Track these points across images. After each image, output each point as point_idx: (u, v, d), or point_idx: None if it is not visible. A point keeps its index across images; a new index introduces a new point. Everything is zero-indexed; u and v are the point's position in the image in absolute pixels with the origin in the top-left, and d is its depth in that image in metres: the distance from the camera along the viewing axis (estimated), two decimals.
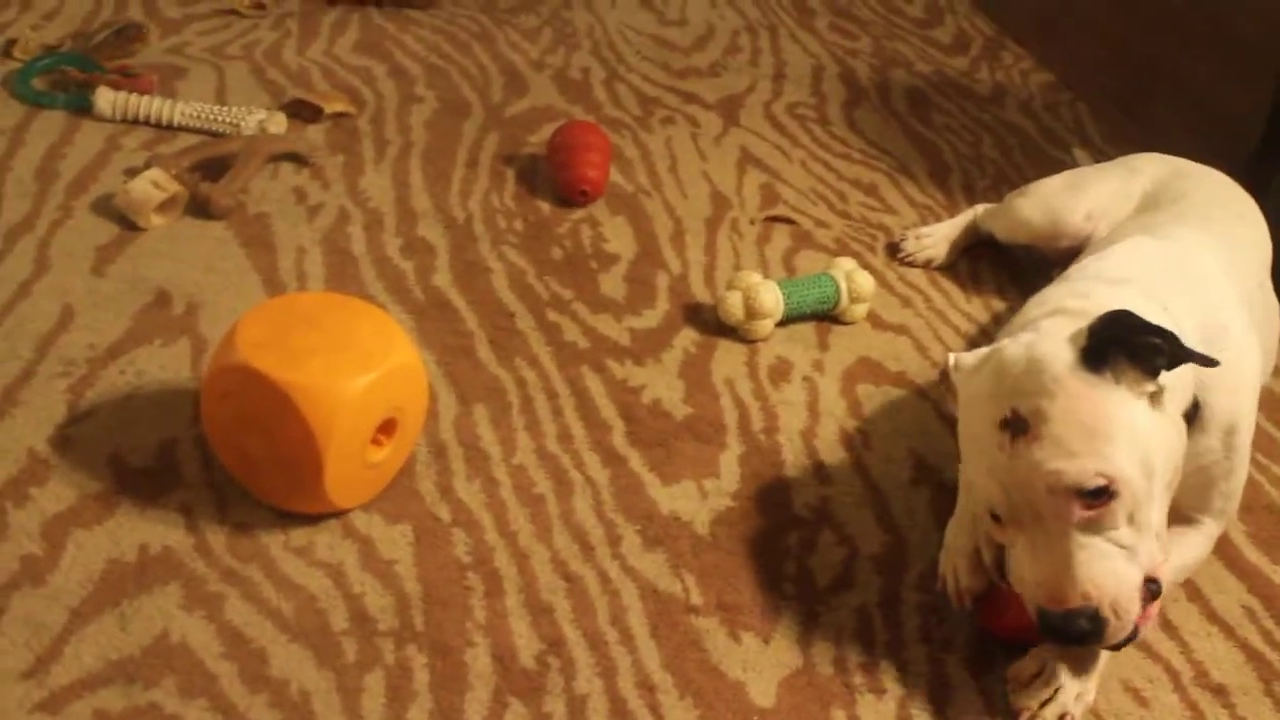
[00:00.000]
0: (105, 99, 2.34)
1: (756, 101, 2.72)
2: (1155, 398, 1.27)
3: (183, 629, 1.36)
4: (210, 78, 2.57)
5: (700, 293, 2.03)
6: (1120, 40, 2.79)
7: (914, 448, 1.74)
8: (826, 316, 1.99)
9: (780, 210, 2.30)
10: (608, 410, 1.75)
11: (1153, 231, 1.66)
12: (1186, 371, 1.32)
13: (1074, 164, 2.29)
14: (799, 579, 1.50)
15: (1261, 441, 1.76)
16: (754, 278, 1.92)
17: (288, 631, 1.37)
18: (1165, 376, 1.27)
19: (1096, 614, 1.23)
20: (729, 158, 2.47)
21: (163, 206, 2.06)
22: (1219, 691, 1.41)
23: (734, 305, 1.90)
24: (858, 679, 1.38)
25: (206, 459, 1.58)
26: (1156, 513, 1.27)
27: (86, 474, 1.55)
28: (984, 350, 1.37)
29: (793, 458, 1.70)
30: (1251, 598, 1.54)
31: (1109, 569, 1.23)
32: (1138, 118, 2.70)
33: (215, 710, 1.27)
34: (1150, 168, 1.95)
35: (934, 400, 1.83)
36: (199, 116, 2.34)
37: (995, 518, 1.30)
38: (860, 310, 1.99)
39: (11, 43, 2.57)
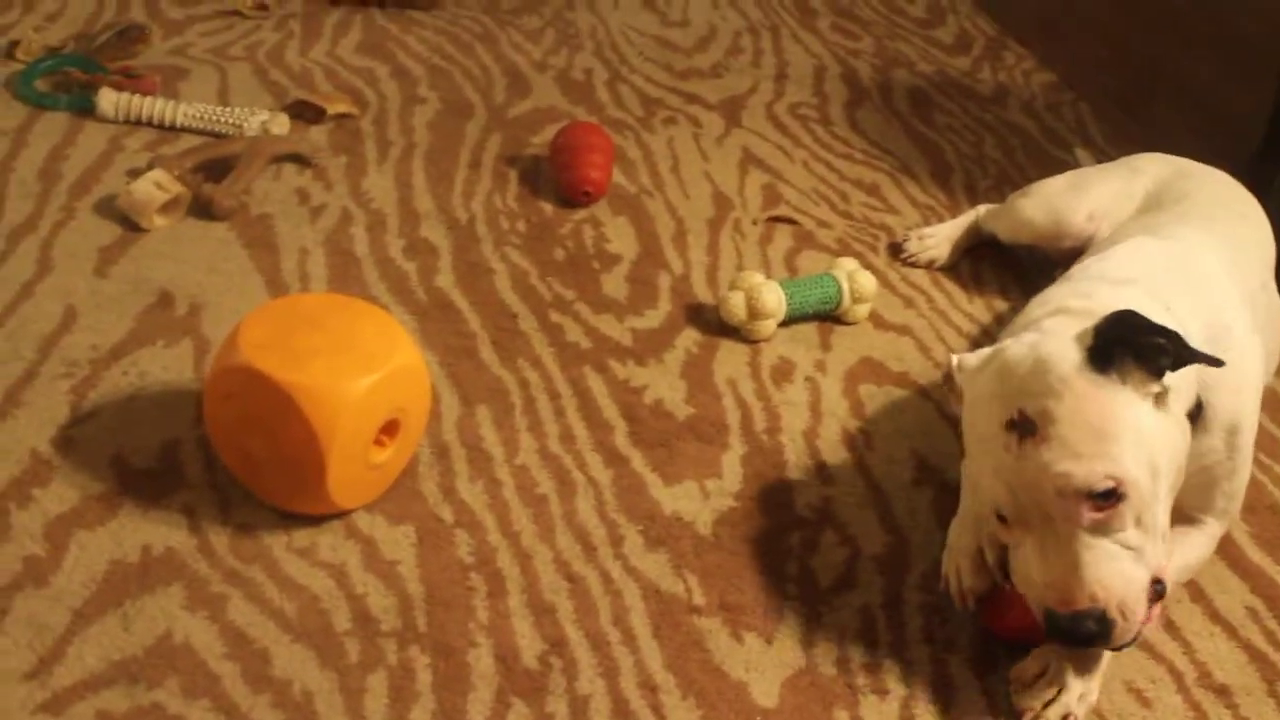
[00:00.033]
0: (108, 100, 2.34)
1: (758, 102, 2.72)
2: (1160, 398, 1.27)
3: (185, 630, 1.36)
4: (213, 79, 2.57)
5: (702, 293, 2.03)
6: (1122, 40, 2.79)
7: (916, 448, 1.74)
8: (829, 317, 1.99)
9: (782, 210, 2.30)
10: (610, 411, 1.75)
11: (1155, 232, 1.66)
12: (1190, 372, 1.32)
13: (1076, 164, 2.28)
14: (801, 579, 1.50)
15: (1264, 441, 1.75)
16: (756, 278, 1.92)
17: (290, 632, 1.37)
18: (1169, 377, 1.27)
19: (1104, 616, 1.23)
20: (731, 158, 2.47)
21: (165, 207, 2.06)
22: (1222, 692, 1.41)
23: (736, 305, 1.90)
24: (861, 679, 1.38)
25: (209, 460, 1.58)
26: (1161, 513, 1.27)
27: (89, 475, 1.55)
28: (987, 350, 1.36)
29: (795, 458, 1.70)
30: (1254, 598, 1.54)
31: (1117, 571, 1.23)
32: (1140, 118, 2.70)
33: (218, 711, 1.27)
34: (1152, 168, 1.95)
35: (936, 401, 1.83)
36: (202, 117, 2.34)
37: (1001, 518, 1.30)
38: (862, 310, 1.99)
39: (14, 44, 2.57)
